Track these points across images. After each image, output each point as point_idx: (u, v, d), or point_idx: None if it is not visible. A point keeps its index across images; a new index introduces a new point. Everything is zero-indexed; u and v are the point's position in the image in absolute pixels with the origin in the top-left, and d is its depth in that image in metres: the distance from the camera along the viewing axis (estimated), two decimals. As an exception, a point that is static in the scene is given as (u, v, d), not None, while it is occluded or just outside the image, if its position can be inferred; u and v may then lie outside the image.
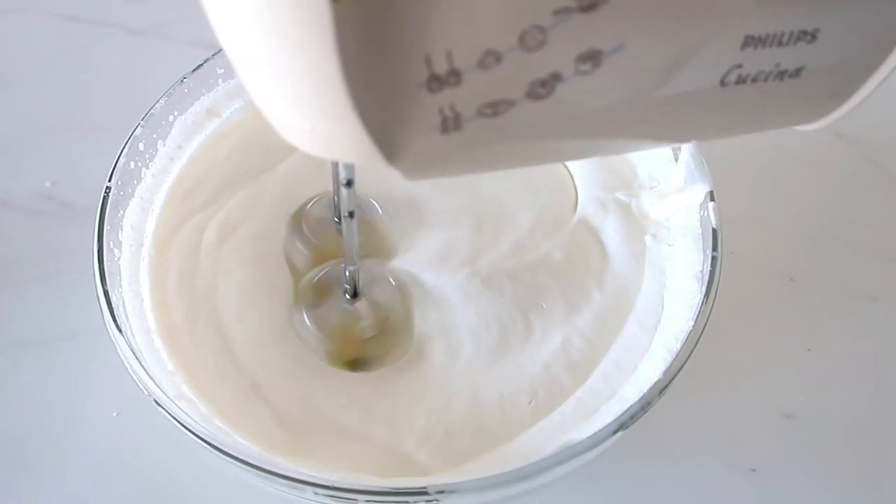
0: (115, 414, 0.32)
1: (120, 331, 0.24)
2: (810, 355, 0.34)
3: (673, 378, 0.23)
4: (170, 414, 0.22)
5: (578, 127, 0.16)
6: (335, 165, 0.24)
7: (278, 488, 0.22)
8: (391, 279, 0.29)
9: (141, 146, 0.29)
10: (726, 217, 0.31)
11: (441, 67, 0.13)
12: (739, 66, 0.15)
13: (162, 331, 0.26)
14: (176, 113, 0.31)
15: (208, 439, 0.22)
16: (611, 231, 0.30)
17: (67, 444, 0.31)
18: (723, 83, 0.16)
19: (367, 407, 0.26)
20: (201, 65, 0.31)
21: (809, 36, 0.15)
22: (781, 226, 0.38)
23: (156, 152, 0.30)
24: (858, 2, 0.15)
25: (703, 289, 0.25)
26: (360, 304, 0.28)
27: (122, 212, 0.28)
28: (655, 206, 0.31)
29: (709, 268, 0.26)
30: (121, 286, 0.26)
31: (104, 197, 0.27)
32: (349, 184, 0.23)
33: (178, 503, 0.30)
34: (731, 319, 0.35)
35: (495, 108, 0.14)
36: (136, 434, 0.31)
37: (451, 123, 0.14)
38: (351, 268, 0.26)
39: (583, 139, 0.17)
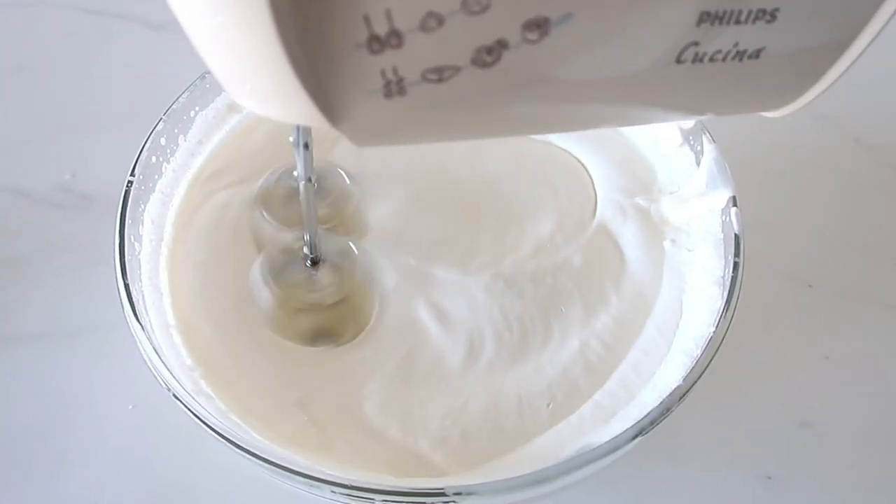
0: (130, 407, 0.32)
1: (141, 325, 0.24)
2: (828, 363, 0.34)
3: (693, 384, 0.23)
4: (188, 408, 0.22)
5: (526, 98, 0.15)
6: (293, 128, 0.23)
7: (295, 486, 0.22)
8: (354, 249, 0.29)
9: (163, 140, 0.29)
10: (745, 223, 0.31)
11: (381, 28, 0.13)
12: (696, 44, 0.15)
13: (181, 325, 0.27)
14: (197, 108, 0.31)
15: (227, 435, 0.22)
16: (629, 236, 0.30)
17: (83, 436, 0.31)
18: (679, 60, 0.15)
19: (383, 403, 0.26)
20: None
21: (769, 15, 0.15)
22: (801, 232, 0.38)
23: (177, 147, 0.30)
24: None
25: (725, 294, 0.25)
26: (321, 271, 0.28)
27: (143, 206, 0.28)
28: (675, 211, 0.30)
29: (730, 273, 0.26)
30: (140, 280, 0.26)
31: (126, 191, 0.27)
32: (306, 146, 0.23)
33: (191, 497, 0.30)
34: (749, 326, 0.35)
35: (440, 74, 0.14)
36: (151, 428, 0.32)
37: (394, 88, 0.14)
38: (310, 234, 0.26)
39: (532, 112, 0.16)
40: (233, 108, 0.32)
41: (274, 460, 0.21)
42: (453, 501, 0.21)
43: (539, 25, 0.14)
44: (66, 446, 0.31)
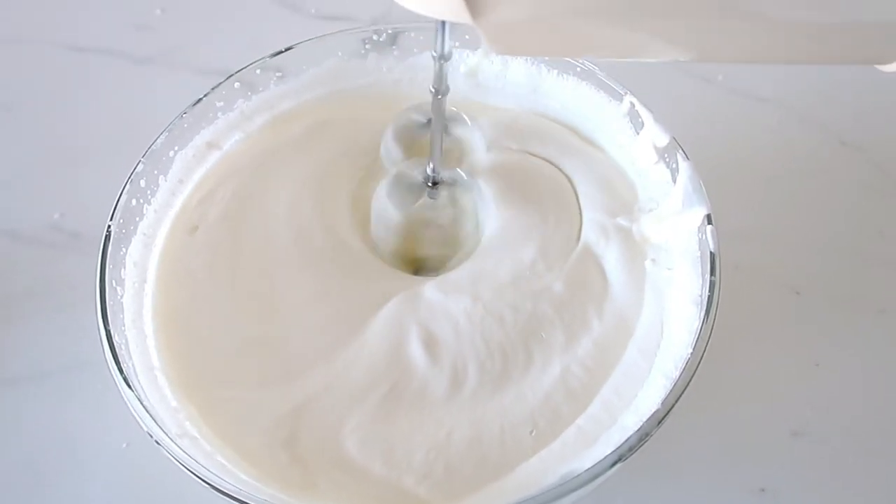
0: (124, 445, 0.32)
1: (121, 371, 0.24)
2: (819, 370, 0.34)
3: (671, 408, 0.23)
4: (170, 453, 0.23)
5: (660, 8, 0.15)
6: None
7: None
8: (468, 180, 0.31)
9: (142, 182, 0.30)
10: (732, 231, 0.30)
11: None
12: None
13: (165, 368, 0.27)
14: (176, 148, 0.31)
15: (207, 479, 0.22)
16: (612, 258, 0.30)
17: (77, 476, 0.32)
18: None
19: (365, 439, 0.26)
20: (200, 99, 0.31)
21: None
22: (788, 238, 0.38)
23: (157, 188, 0.30)
24: None
25: (702, 314, 0.25)
26: (440, 192, 0.30)
27: (124, 249, 0.28)
28: (655, 230, 0.30)
29: (707, 292, 0.26)
30: (123, 324, 0.27)
31: (106, 236, 0.27)
32: (443, 58, 0.24)
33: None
34: (738, 335, 0.35)
35: None
36: (146, 465, 0.32)
37: None
38: (434, 151, 0.28)
39: (662, 26, 0.16)
40: (212, 144, 0.33)
41: (249, 502, 0.21)
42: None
43: None
44: (61, 487, 0.32)
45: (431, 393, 0.27)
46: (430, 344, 0.28)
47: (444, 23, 0.24)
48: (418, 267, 0.32)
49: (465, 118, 0.32)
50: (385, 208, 0.30)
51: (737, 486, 0.31)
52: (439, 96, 0.27)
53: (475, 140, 0.33)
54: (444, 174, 0.30)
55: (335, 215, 0.32)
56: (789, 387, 0.34)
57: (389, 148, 0.32)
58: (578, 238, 0.31)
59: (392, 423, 0.26)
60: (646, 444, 0.23)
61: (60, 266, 0.38)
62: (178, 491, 0.31)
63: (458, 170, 0.31)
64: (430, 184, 0.30)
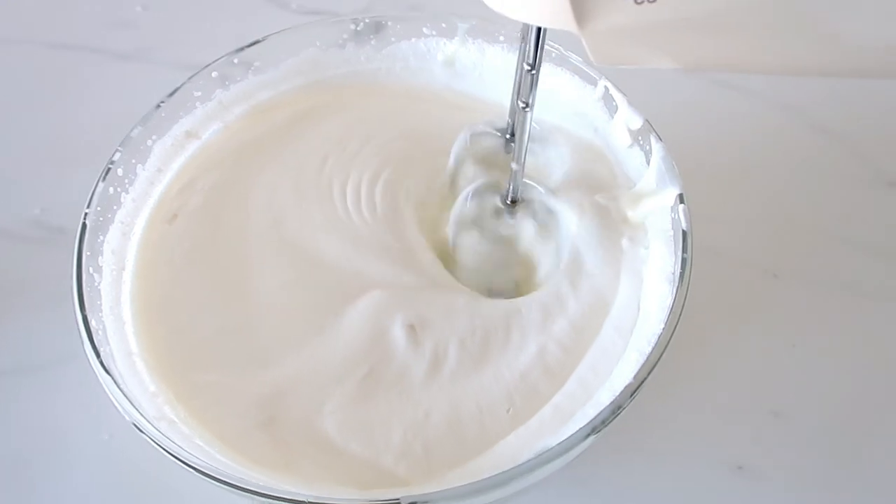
0: (106, 437, 0.32)
1: (97, 353, 0.24)
2: (795, 351, 0.34)
3: (643, 381, 0.24)
4: (148, 436, 0.23)
5: (767, 20, 0.15)
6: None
7: (259, 501, 0.23)
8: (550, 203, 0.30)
9: (120, 171, 0.30)
10: (711, 216, 0.31)
11: None
12: None
13: (144, 353, 0.27)
14: (154, 137, 0.31)
15: (186, 459, 0.22)
16: (587, 236, 0.30)
17: (60, 469, 0.32)
18: None
19: (343, 421, 0.26)
20: (178, 88, 0.32)
21: None
22: (765, 222, 0.38)
23: (135, 177, 0.31)
24: None
25: (674, 291, 0.26)
26: (518, 211, 0.30)
27: (102, 237, 0.28)
28: (632, 209, 0.31)
29: (679, 270, 0.26)
30: (101, 310, 0.27)
31: (83, 224, 0.27)
32: (532, 68, 0.23)
33: (172, 521, 0.31)
34: (717, 317, 0.35)
35: None
36: (129, 455, 0.32)
37: None
38: (517, 164, 0.27)
39: (771, 39, 0.16)
40: (191, 134, 0.33)
41: (231, 482, 0.22)
42: (411, 510, 0.22)
43: None
44: (44, 480, 0.32)
45: (410, 375, 0.27)
46: (414, 327, 0.28)
47: (539, 30, 0.22)
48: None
49: (548, 136, 0.32)
50: (465, 231, 0.30)
51: (715, 463, 0.31)
52: (527, 109, 0.25)
53: (555, 160, 0.32)
54: (525, 192, 0.30)
55: (316, 204, 0.32)
56: (767, 367, 0.34)
57: (461, 162, 0.31)
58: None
59: (370, 405, 0.27)
60: (619, 417, 0.24)
61: (43, 261, 0.38)
62: (161, 480, 0.31)
63: (539, 187, 0.30)
64: (509, 202, 0.29)
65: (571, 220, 0.30)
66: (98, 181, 0.28)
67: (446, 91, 0.34)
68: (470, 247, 0.30)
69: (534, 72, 0.23)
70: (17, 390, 0.34)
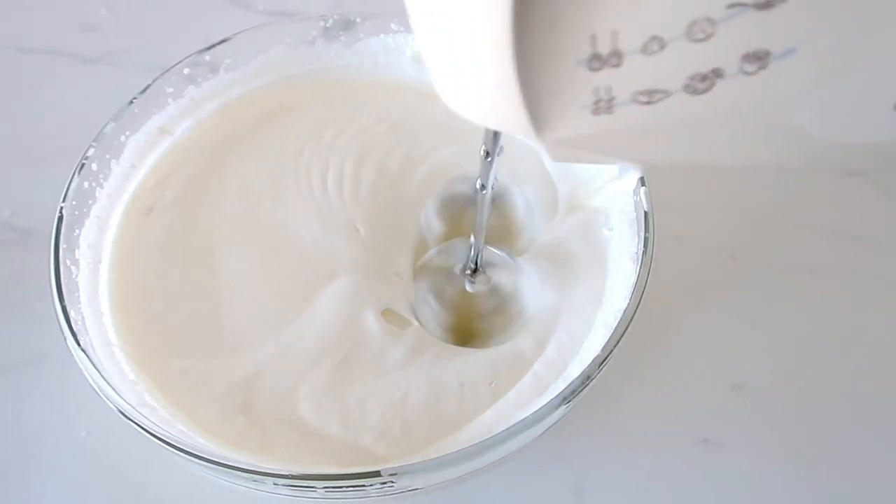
0: (83, 434, 0.33)
1: (78, 342, 0.24)
2: (755, 328, 0.36)
3: (610, 352, 0.25)
4: (132, 420, 0.23)
5: (728, 130, 0.15)
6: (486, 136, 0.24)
7: (241, 483, 0.23)
8: (511, 261, 0.31)
9: (94, 166, 0.30)
10: (670, 204, 0.32)
11: (604, 47, 0.13)
12: None
13: (122, 343, 0.27)
14: (128, 133, 0.32)
15: (171, 441, 0.23)
16: (568, 227, 0.32)
17: (38, 465, 0.32)
18: None
19: (319, 404, 0.27)
20: (150, 85, 0.32)
21: None
22: (722, 208, 0.40)
23: (109, 172, 0.31)
24: None
25: (638, 268, 0.27)
26: (479, 281, 0.30)
27: (77, 231, 0.29)
28: (596, 194, 0.32)
29: (642, 248, 0.27)
30: (79, 302, 0.27)
31: (59, 217, 0.28)
32: (488, 155, 0.24)
33: (151, 513, 0.31)
34: (679, 298, 0.37)
35: (650, 97, 0.14)
36: (106, 452, 0.32)
37: (603, 105, 0.14)
38: (476, 242, 0.28)
39: (730, 143, 0.16)
40: (164, 130, 0.33)
41: (216, 459, 0.22)
42: (391, 482, 0.22)
43: (759, 58, 0.13)
44: (21, 480, 0.31)
45: (389, 359, 0.28)
46: (391, 311, 0.29)
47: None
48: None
49: (516, 190, 0.32)
50: (425, 297, 0.31)
51: (682, 437, 0.33)
52: (484, 191, 0.26)
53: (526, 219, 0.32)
54: (487, 258, 0.30)
55: (293, 191, 0.32)
56: (728, 344, 0.36)
57: (431, 222, 0.32)
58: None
59: (347, 387, 0.27)
60: (589, 389, 0.25)
61: (13, 263, 0.38)
62: (139, 475, 0.31)
63: (501, 252, 0.31)
64: (468, 271, 0.30)
65: (533, 283, 0.31)
66: (73, 176, 0.29)
67: (416, 83, 0.35)
68: (428, 302, 0.31)
69: (490, 160, 0.24)
70: (-8, 392, 0.34)
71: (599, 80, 0.14)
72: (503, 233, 0.32)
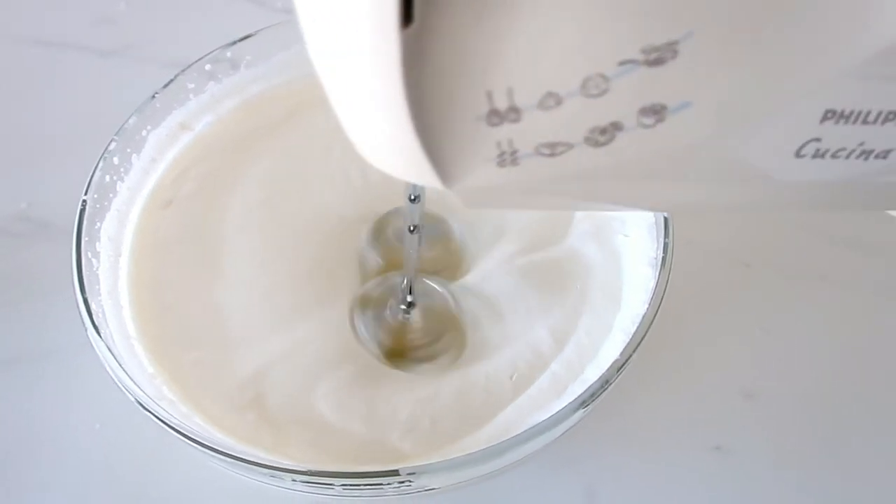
0: (97, 426, 0.33)
1: (99, 334, 0.25)
2: (768, 337, 0.36)
3: (629, 357, 0.25)
4: (151, 412, 0.23)
5: (637, 178, 0.15)
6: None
7: (258, 478, 0.23)
8: (449, 295, 0.30)
9: (115, 160, 0.30)
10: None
11: (501, 104, 0.13)
12: (818, 140, 0.14)
13: (141, 336, 0.27)
14: (149, 127, 0.32)
15: (189, 434, 0.23)
16: (580, 232, 0.32)
17: (51, 460, 0.32)
18: (798, 155, 0.15)
19: (340, 403, 0.27)
20: (171, 80, 0.32)
21: None
22: (738, 215, 0.40)
23: (130, 166, 0.31)
24: None
25: (657, 273, 0.27)
26: (414, 315, 0.30)
27: (99, 224, 0.29)
28: None
29: (661, 254, 0.27)
30: (100, 294, 0.27)
31: (81, 209, 0.28)
32: (415, 200, 0.24)
33: (162, 510, 0.31)
34: (692, 305, 0.37)
35: (553, 149, 0.14)
36: (120, 445, 0.32)
37: (507, 158, 0.14)
38: (409, 279, 0.28)
39: (641, 190, 0.16)
40: (185, 125, 0.33)
41: (235, 454, 0.22)
42: (408, 481, 0.22)
43: (656, 112, 0.14)
44: (35, 471, 0.32)
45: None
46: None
47: None
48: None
49: (449, 219, 0.32)
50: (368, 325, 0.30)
51: (694, 444, 0.33)
52: (413, 232, 0.26)
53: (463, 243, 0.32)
54: (423, 292, 0.30)
55: (324, 187, 0.33)
56: (740, 351, 0.36)
57: (367, 255, 0.32)
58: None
59: (373, 389, 0.27)
60: (610, 401, 0.25)
61: (28, 255, 0.38)
62: (152, 466, 0.32)
63: (444, 286, 0.30)
64: (402, 305, 0.30)
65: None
66: (95, 169, 0.29)
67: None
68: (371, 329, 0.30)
69: (416, 201, 0.24)
70: (7, 383, 0.34)
71: (501, 134, 0.14)
72: (447, 262, 0.32)
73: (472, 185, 0.15)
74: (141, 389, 0.24)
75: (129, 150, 0.31)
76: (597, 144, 0.14)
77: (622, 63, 0.13)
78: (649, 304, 0.26)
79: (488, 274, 0.30)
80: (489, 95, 0.13)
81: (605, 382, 0.24)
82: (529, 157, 0.15)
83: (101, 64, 0.46)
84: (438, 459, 0.23)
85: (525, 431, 0.23)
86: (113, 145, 0.30)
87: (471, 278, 0.31)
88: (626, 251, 0.31)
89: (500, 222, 0.31)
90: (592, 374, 0.27)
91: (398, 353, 0.30)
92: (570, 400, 0.24)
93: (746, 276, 0.38)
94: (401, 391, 0.27)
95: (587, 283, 0.30)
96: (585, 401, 0.24)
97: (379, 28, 0.12)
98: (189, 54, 0.34)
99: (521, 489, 0.31)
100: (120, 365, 0.24)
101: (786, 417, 0.34)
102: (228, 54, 0.34)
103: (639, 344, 0.25)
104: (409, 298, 0.29)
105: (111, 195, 0.30)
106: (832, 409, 0.34)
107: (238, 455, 0.22)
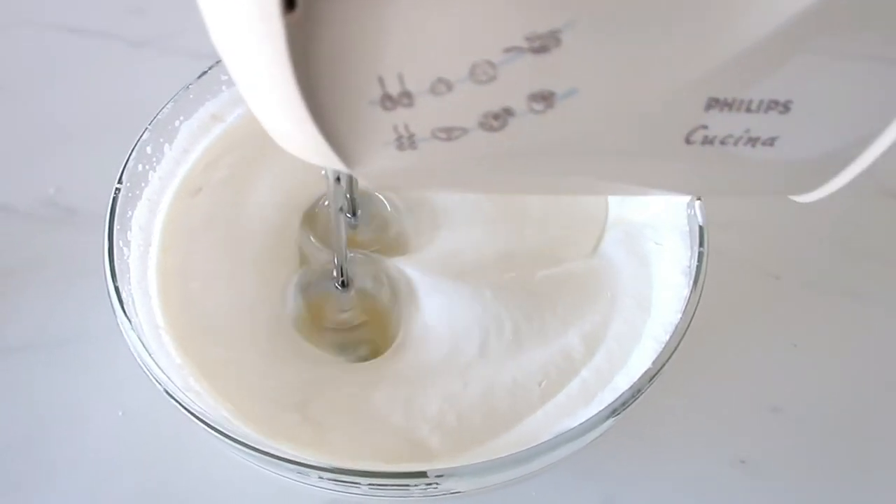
0: (120, 413, 0.33)
1: (129, 321, 0.24)
2: (796, 351, 0.35)
3: (662, 367, 0.24)
4: (177, 401, 0.23)
5: (533, 163, 0.16)
6: None
7: (284, 474, 0.23)
8: (383, 275, 0.30)
9: (148, 149, 0.30)
10: (715, 220, 0.32)
11: (393, 89, 0.14)
12: (705, 127, 0.15)
13: (170, 327, 0.27)
14: (182, 118, 0.32)
15: (215, 425, 0.22)
16: (611, 239, 0.32)
17: (73, 445, 0.32)
18: (688, 141, 0.15)
19: (389, 397, 0.27)
20: (206, 72, 0.32)
21: (781, 106, 0.15)
22: (768, 227, 0.39)
23: (162, 156, 0.31)
24: (831, 78, 0.15)
25: (691, 282, 0.26)
26: (349, 295, 0.29)
27: (130, 212, 0.29)
28: (644, 209, 0.32)
29: (696, 263, 0.27)
30: (129, 283, 0.27)
31: (114, 197, 0.28)
32: (338, 180, 0.24)
33: (183, 498, 0.31)
34: (720, 317, 0.36)
35: (448, 134, 0.15)
36: (141, 433, 0.32)
37: (405, 142, 0.15)
38: (339, 259, 0.28)
39: (539, 176, 0.17)
40: (217, 117, 0.33)
41: (260, 447, 0.22)
42: (435, 483, 0.22)
43: (545, 98, 0.14)
44: (56, 456, 0.32)
45: (456, 358, 0.28)
46: (453, 324, 0.29)
47: None
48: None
49: (384, 200, 0.31)
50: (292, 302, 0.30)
51: (719, 457, 0.32)
52: (342, 212, 0.26)
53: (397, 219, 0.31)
54: (358, 271, 0.29)
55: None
56: (768, 365, 0.35)
57: (304, 240, 0.31)
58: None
59: (416, 380, 0.27)
60: (636, 410, 0.24)
61: (55, 240, 0.38)
62: (174, 455, 0.32)
63: (378, 264, 0.30)
64: (337, 285, 0.29)
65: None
66: (128, 157, 0.29)
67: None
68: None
69: (339, 182, 0.24)
70: (28, 367, 0.34)
71: (396, 118, 0.14)
72: (390, 240, 0.31)
73: (375, 168, 0.15)
74: (169, 378, 0.24)
75: (161, 140, 0.31)
76: (491, 129, 0.15)
77: (507, 50, 0.13)
78: (683, 313, 0.26)
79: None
80: (381, 80, 0.14)
81: (636, 391, 0.24)
82: (427, 140, 0.15)
83: (131, 53, 0.46)
84: (466, 462, 0.22)
85: (555, 438, 0.23)
86: (147, 135, 0.30)
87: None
88: (657, 259, 0.30)
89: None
90: (622, 382, 0.26)
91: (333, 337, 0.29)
92: (599, 408, 0.24)
93: (776, 288, 0.37)
94: (435, 382, 0.27)
95: (617, 289, 0.30)
96: (616, 409, 0.23)
97: (264, 15, 0.12)
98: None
99: (539, 495, 0.31)
100: (149, 353, 0.24)
101: (812, 433, 0.33)
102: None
103: (672, 353, 0.25)
104: (342, 279, 0.29)
105: (143, 184, 0.30)
106: (862, 428, 0.34)
107: (264, 449, 0.22)
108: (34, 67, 0.45)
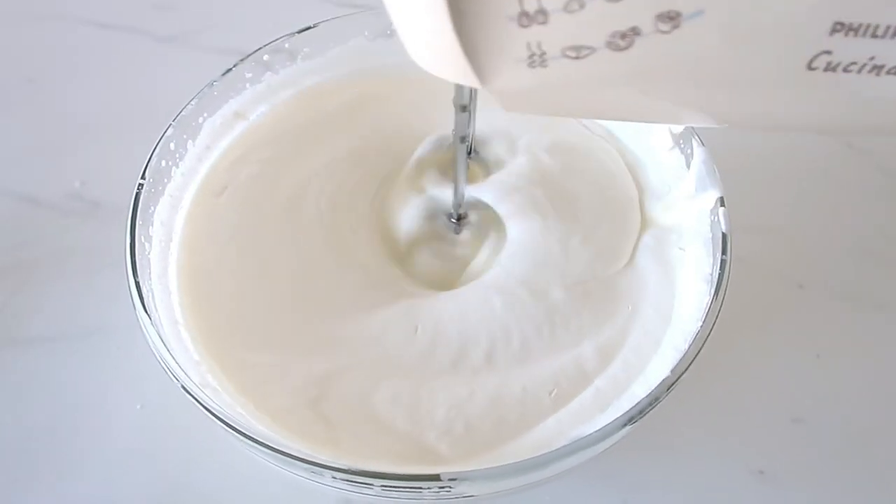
0: (138, 407, 0.33)
1: (149, 317, 0.25)
2: (819, 361, 0.35)
3: (680, 375, 0.24)
4: (195, 398, 0.23)
5: (656, 85, 0.16)
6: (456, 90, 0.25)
7: (297, 473, 0.23)
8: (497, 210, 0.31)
9: (172, 146, 0.30)
10: (738, 225, 0.31)
11: (531, 6, 0.15)
12: (828, 53, 0.15)
13: (188, 323, 0.28)
14: (205, 115, 0.32)
15: (231, 422, 0.23)
16: (643, 246, 0.31)
17: (92, 436, 0.32)
18: (810, 67, 0.15)
19: (394, 397, 0.27)
20: (230, 69, 0.32)
21: None
22: (792, 234, 0.39)
23: (185, 152, 0.31)
24: None
25: (712, 290, 0.26)
26: (464, 228, 0.31)
27: (152, 208, 0.29)
28: (667, 213, 0.31)
29: (718, 270, 0.26)
30: (150, 279, 0.27)
31: (137, 193, 0.28)
32: (464, 109, 0.24)
33: (197, 492, 0.31)
34: (742, 325, 0.36)
35: (577, 52, 0.15)
36: (159, 427, 0.33)
37: (537, 60, 0.16)
38: (457, 190, 0.29)
39: (661, 100, 0.17)
40: (240, 114, 0.33)
41: (275, 447, 0.22)
42: (448, 487, 0.22)
43: (671, 18, 0.15)
44: (75, 447, 0.32)
45: (464, 364, 0.28)
46: (463, 324, 0.29)
47: None
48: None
49: (492, 140, 0.32)
50: (408, 230, 0.31)
51: (737, 467, 0.32)
52: (464, 143, 0.27)
53: (506, 157, 0.33)
54: (470, 208, 0.30)
55: (361, 195, 0.32)
56: (791, 375, 0.35)
57: (424, 166, 0.32)
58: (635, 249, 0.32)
59: (422, 384, 0.27)
60: (653, 417, 0.24)
61: (79, 233, 0.39)
62: (191, 450, 0.32)
63: (485, 199, 0.31)
64: (453, 219, 0.31)
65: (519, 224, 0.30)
66: (152, 153, 0.29)
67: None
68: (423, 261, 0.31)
69: (465, 112, 0.25)
70: (49, 358, 0.35)
71: (530, 35, 0.15)
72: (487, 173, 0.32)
73: (506, 85, 0.16)
74: (187, 375, 0.24)
75: (185, 136, 0.31)
76: (618, 49, 0.15)
77: None
78: (703, 321, 0.25)
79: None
80: None
81: (653, 400, 0.23)
82: (557, 59, 0.16)
83: (158, 49, 0.47)
84: (477, 466, 0.22)
85: (570, 444, 0.23)
86: (170, 131, 0.30)
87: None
88: (680, 265, 0.30)
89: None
90: (639, 389, 0.26)
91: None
92: (616, 415, 0.24)
93: (800, 297, 0.37)
94: (442, 388, 0.27)
95: (640, 298, 0.29)
96: (633, 417, 0.23)
97: None
98: (244, 43, 0.34)
99: (553, 501, 0.31)
100: (167, 349, 0.24)
101: (834, 446, 0.33)
102: (287, 45, 0.34)
103: (691, 362, 0.24)
104: (458, 211, 0.30)
105: (165, 180, 0.30)
106: (883, 441, 0.33)
107: (278, 448, 0.22)
108: (62, 61, 0.46)
